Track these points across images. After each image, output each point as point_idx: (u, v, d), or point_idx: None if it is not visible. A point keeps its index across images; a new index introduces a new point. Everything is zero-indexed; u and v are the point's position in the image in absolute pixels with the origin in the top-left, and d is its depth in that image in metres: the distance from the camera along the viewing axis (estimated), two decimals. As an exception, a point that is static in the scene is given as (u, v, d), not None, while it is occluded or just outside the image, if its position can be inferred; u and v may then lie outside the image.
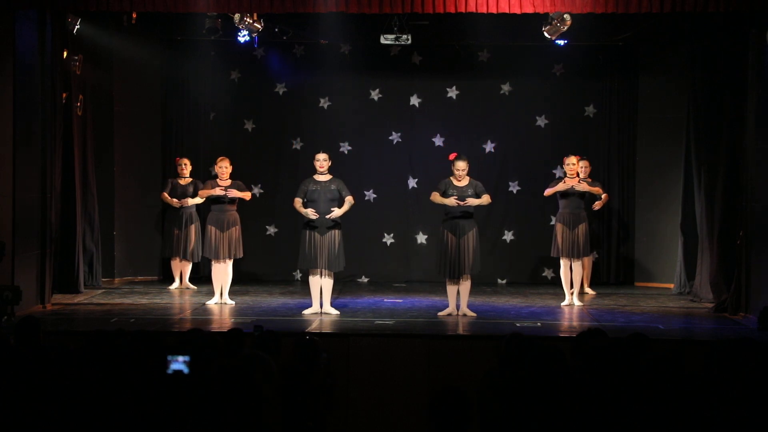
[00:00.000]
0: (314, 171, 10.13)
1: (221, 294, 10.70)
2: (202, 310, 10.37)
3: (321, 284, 10.03)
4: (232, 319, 9.71)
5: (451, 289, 9.99)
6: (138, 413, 4.39)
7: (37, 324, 6.05)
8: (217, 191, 10.67)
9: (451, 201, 9.80)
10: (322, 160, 10.06)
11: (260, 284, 12.50)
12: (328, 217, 9.89)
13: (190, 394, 4.33)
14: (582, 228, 10.81)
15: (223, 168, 10.81)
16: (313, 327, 9.16)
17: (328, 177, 10.08)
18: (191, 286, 12.02)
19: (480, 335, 8.87)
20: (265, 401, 3.56)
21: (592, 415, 4.39)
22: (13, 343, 5.78)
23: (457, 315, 9.89)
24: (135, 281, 12.76)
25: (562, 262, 10.88)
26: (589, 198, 11.39)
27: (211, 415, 3.39)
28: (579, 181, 10.93)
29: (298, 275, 12.97)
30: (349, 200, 10.02)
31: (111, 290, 11.85)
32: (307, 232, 9.98)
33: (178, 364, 4.36)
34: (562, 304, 10.78)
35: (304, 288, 11.92)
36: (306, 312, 9.99)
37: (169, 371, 4.35)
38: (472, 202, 9.78)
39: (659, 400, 4.46)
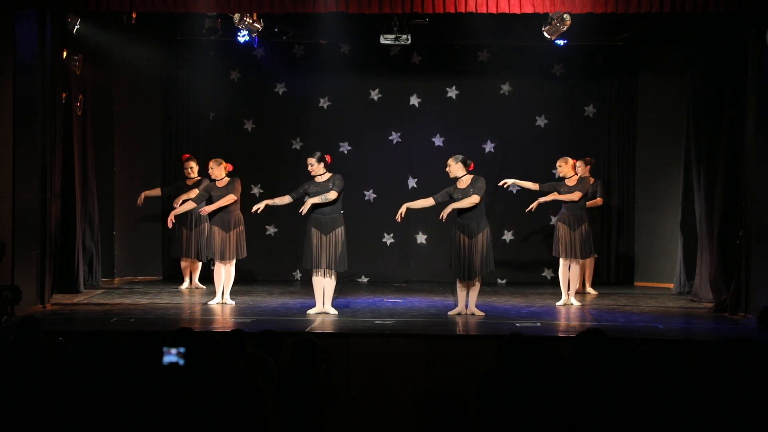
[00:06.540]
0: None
1: (222, 294, 10.71)
2: (203, 310, 10.37)
3: (323, 284, 10.03)
4: (233, 319, 9.71)
5: (461, 290, 9.98)
6: (138, 413, 4.40)
7: (38, 324, 6.06)
8: (186, 206, 10.99)
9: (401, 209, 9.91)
10: (310, 165, 10.03)
11: (260, 284, 12.50)
12: (300, 211, 9.88)
13: (189, 394, 4.33)
14: (583, 228, 10.83)
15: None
16: (313, 327, 9.16)
17: (327, 176, 10.06)
18: (200, 285, 12.02)
19: (480, 335, 8.87)
20: (265, 401, 3.55)
21: (591, 415, 4.39)
22: (13, 342, 5.78)
23: (466, 314, 9.91)
24: (135, 281, 12.77)
25: (561, 261, 10.89)
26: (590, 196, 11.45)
27: (210, 416, 3.38)
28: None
29: (298, 275, 12.98)
30: (326, 196, 9.84)
31: (111, 290, 11.84)
32: (313, 230, 9.96)
33: (172, 356, 4.37)
34: (558, 303, 10.79)
35: (304, 288, 11.94)
36: (311, 312, 9.97)
37: (164, 363, 4.36)
38: (445, 212, 9.80)
39: (659, 400, 4.46)
